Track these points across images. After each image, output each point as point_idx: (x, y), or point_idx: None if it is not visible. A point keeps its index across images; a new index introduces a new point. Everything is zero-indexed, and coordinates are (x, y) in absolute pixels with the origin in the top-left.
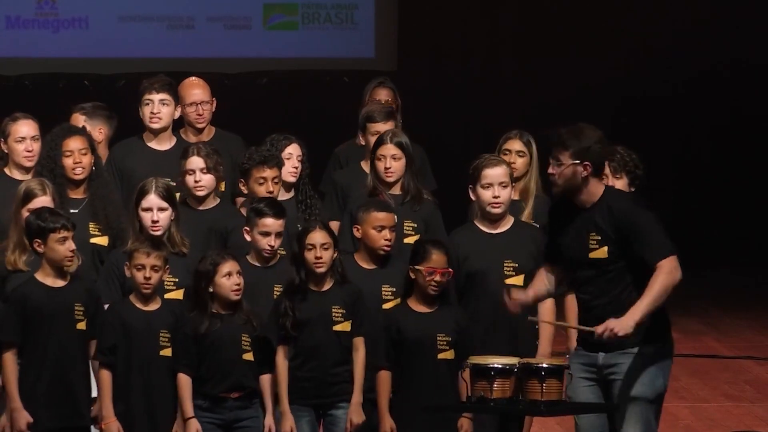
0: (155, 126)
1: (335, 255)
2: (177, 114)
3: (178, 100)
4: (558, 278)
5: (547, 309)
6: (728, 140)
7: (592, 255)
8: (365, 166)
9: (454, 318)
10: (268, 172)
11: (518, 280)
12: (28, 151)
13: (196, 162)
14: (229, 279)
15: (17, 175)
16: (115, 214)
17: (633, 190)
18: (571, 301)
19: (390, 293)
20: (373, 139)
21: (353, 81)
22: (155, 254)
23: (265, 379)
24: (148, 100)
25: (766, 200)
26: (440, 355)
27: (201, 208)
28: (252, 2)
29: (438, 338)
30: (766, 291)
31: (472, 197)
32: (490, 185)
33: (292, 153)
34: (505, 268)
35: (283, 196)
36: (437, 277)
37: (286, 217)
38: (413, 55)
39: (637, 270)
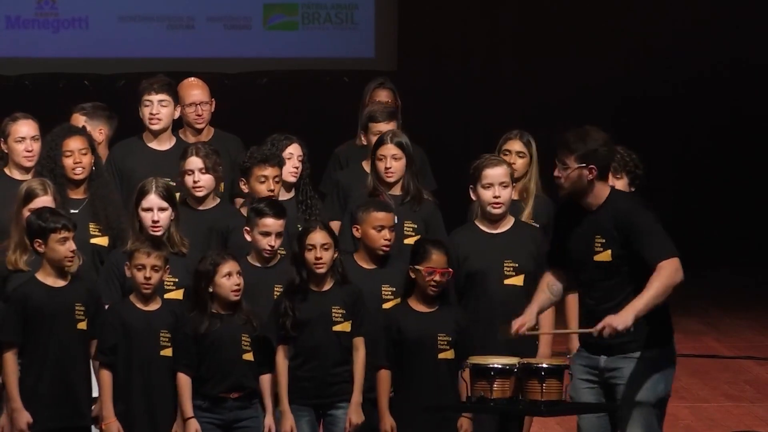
0: (155, 127)
1: (336, 255)
2: (176, 114)
3: (177, 100)
4: (563, 282)
5: (546, 319)
6: (728, 140)
7: (597, 258)
8: (366, 166)
9: (454, 318)
10: (269, 171)
11: (518, 280)
12: (28, 151)
13: (195, 162)
14: (229, 279)
15: (17, 175)
16: (116, 215)
17: (633, 190)
18: (572, 301)
19: (390, 293)
20: (375, 140)
21: (353, 81)
22: (155, 254)
23: (265, 379)
24: (148, 101)
25: (766, 200)
26: (440, 355)
27: (201, 208)
28: (252, 2)
29: (438, 338)
30: (766, 291)
31: (473, 197)
32: (490, 185)
33: (293, 153)
34: (505, 268)
35: (284, 196)
36: (437, 277)
37: (286, 217)
38: (413, 55)
39: (641, 275)
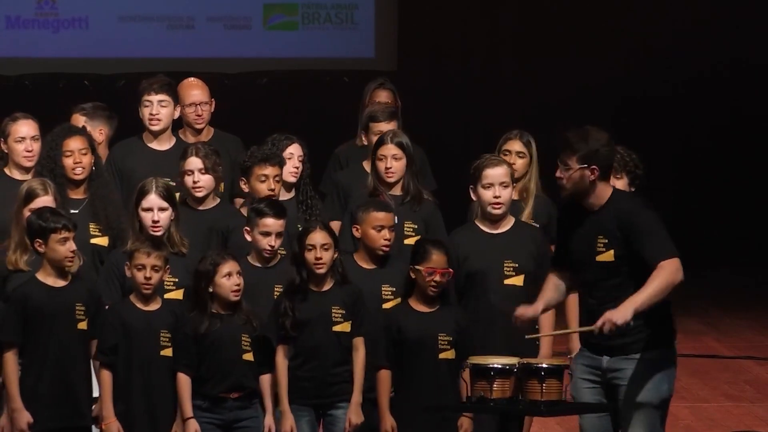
0: (154, 128)
1: (336, 255)
2: (176, 114)
3: (177, 100)
4: (567, 283)
5: (546, 320)
6: (728, 140)
7: (599, 258)
8: (367, 166)
9: (455, 318)
10: (270, 170)
11: (518, 280)
12: (28, 151)
13: (194, 163)
14: (229, 279)
15: (17, 175)
16: (116, 215)
17: (633, 190)
18: (572, 302)
19: (390, 293)
20: (376, 140)
21: (353, 81)
22: (155, 254)
23: (265, 379)
24: (147, 101)
25: (766, 200)
26: (441, 355)
27: (201, 208)
28: (252, 2)
29: (439, 338)
30: (766, 291)
31: (473, 197)
32: (491, 185)
33: (293, 153)
34: (505, 268)
35: (284, 196)
36: (437, 278)
37: (286, 217)
38: (413, 55)
39: (643, 275)
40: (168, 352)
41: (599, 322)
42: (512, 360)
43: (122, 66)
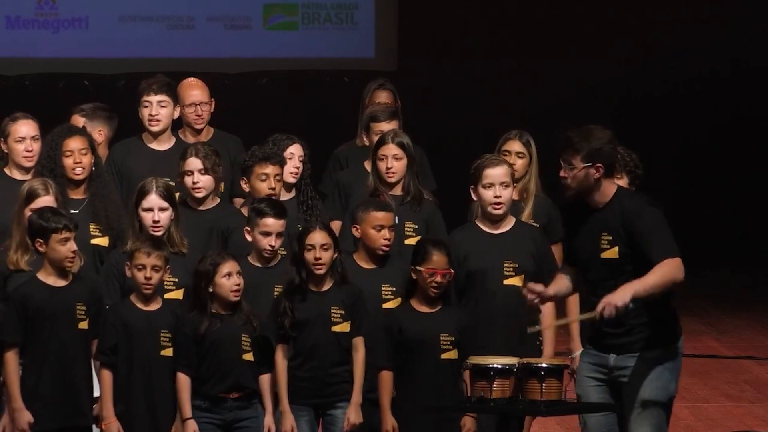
0: (154, 128)
1: (335, 256)
2: (176, 114)
3: (176, 100)
4: (574, 280)
5: (546, 314)
6: (728, 140)
7: (603, 255)
8: (368, 166)
9: (457, 318)
10: (271, 169)
11: (518, 280)
12: (28, 151)
13: (194, 163)
14: (228, 279)
15: (17, 175)
16: (116, 215)
17: (633, 189)
18: (573, 303)
19: (390, 293)
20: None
21: (353, 81)
22: (156, 254)
23: (265, 379)
24: (147, 102)
25: (766, 200)
26: (443, 355)
27: (201, 208)
28: (252, 2)
29: (441, 338)
30: (766, 291)
31: (474, 197)
32: (491, 185)
33: (294, 153)
34: (504, 269)
35: (284, 196)
36: (438, 278)
37: (287, 217)
38: (413, 55)
39: (646, 274)
40: (168, 352)
41: (599, 307)
42: (512, 360)
43: (122, 66)
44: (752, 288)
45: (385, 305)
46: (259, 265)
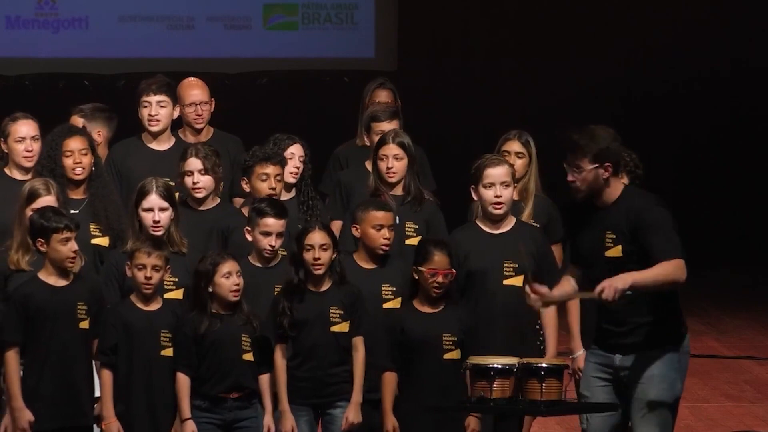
0: (153, 128)
1: (334, 256)
2: (176, 114)
3: (176, 100)
4: (582, 282)
5: (549, 318)
6: (728, 140)
7: (608, 253)
8: (369, 166)
9: (459, 318)
10: (271, 169)
11: (518, 280)
12: (28, 151)
13: (194, 163)
14: (228, 279)
15: (17, 175)
16: (116, 215)
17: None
18: (573, 305)
19: (390, 292)
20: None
21: (353, 81)
22: (156, 254)
23: (264, 379)
24: (146, 102)
25: (766, 200)
26: (446, 356)
27: (201, 208)
28: (252, 2)
29: (444, 338)
30: (766, 291)
31: (474, 197)
32: (492, 185)
33: (295, 153)
34: (504, 269)
35: (284, 196)
36: (439, 279)
37: (287, 217)
38: (413, 55)
39: None
40: (168, 352)
41: (598, 288)
42: (512, 360)
43: (122, 66)
44: (752, 288)
45: (386, 305)
46: (260, 265)
